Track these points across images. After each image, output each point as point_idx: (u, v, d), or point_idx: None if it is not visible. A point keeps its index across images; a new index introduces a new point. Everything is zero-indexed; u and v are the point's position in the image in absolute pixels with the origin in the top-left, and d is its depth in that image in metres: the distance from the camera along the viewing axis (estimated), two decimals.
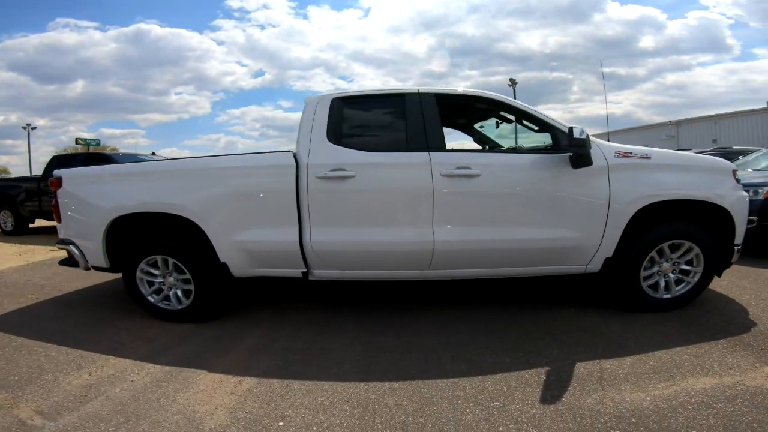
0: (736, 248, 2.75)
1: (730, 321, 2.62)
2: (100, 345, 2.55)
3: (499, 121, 3.38)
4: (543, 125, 2.80)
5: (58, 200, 3.05)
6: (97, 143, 20.51)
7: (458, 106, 2.99)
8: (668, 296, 2.78)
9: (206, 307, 2.90)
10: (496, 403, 1.88)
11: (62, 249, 3.17)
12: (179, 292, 2.91)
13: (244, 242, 2.73)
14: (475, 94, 3.02)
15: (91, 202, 2.98)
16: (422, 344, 2.50)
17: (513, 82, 23.60)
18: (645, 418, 1.70)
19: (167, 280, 2.91)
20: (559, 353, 2.33)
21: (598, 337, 2.48)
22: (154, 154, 8.02)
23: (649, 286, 2.76)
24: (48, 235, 7.21)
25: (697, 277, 2.76)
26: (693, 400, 1.80)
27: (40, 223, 8.09)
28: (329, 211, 2.69)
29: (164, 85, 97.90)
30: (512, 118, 3.04)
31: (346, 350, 2.46)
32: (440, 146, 2.73)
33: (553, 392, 1.95)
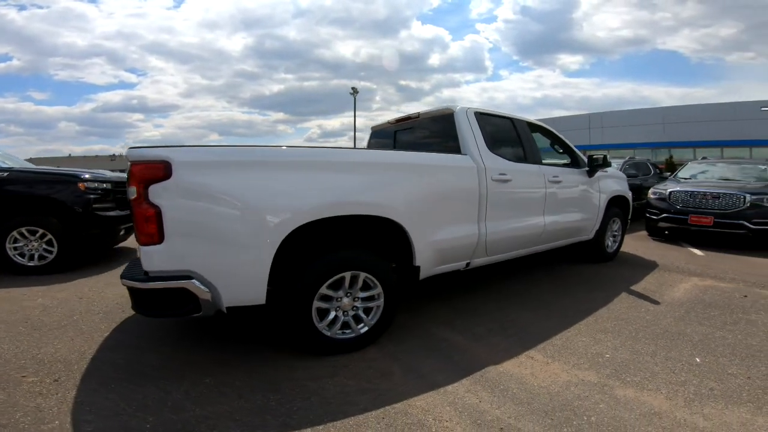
0: (629, 221, 5.13)
1: (643, 262, 4.88)
2: (397, 423, 1.85)
3: None
4: (569, 150, 4.25)
5: (157, 202, 1.90)
6: None
7: (535, 132, 3.98)
8: (612, 251, 4.83)
9: (389, 323, 2.64)
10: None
11: (156, 287, 1.97)
12: (362, 314, 2.51)
13: (439, 241, 2.74)
14: (543, 125, 4.11)
15: (254, 202, 2.06)
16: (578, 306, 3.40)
17: (354, 91, 24.72)
18: (697, 295, 3.41)
19: (342, 302, 2.42)
20: (619, 285, 3.83)
21: (615, 280, 4.08)
22: None
23: (606, 246, 4.72)
24: None
25: (620, 238, 4.96)
26: (699, 287, 3.66)
27: None
28: (497, 206, 3.12)
29: None
30: (549, 140, 4.33)
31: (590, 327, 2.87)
32: (540, 160, 3.70)
33: (660, 296, 3.43)
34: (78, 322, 2.87)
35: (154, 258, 1.97)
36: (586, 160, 4.24)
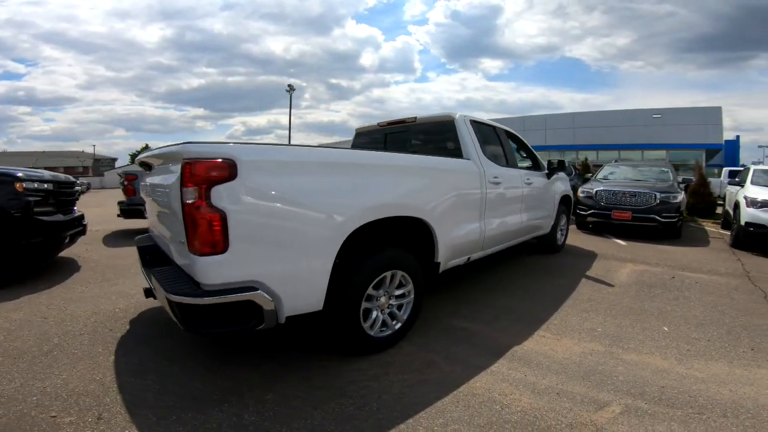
0: (572, 217, 5.94)
1: (584, 252, 5.71)
2: (473, 403, 2.19)
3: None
4: (532, 155, 4.83)
5: (221, 206, 1.76)
6: None
7: (509, 138, 4.43)
8: (560, 243, 5.60)
9: (416, 318, 2.79)
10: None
11: (222, 302, 1.79)
12: (396, 311, 2.64)
13: (454, 238, 3.01)
14: (514, 132, 4.56)
15: (318, 204, 2.06)
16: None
17: (291, 89, 23.72)
18: (638, 278, 4.15)
19: (380, 301, 2.53)
20: (576, 272, 4.48)
21: (571, 268, 4.78)
22: None
23: (557, 239, 5.45)
24: None
25: (566, 231, 5.74)
26: (637, 272, 4.45)
27: None
28: (492, 206, 3.50)
29: None
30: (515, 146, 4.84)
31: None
32: (517, 164, 4.18)
33: (611, 279, 4.06)
34: (64, 346, 2.54)
35: (216, 269, 1.80)
36: (545, 164, 4.89)
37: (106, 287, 3.83)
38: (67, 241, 4.24)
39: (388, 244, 2.56)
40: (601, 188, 7.16)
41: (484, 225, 3.41)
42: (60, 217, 4.12)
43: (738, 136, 20.88)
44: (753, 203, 5.57)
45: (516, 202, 4.04)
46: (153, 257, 2.74)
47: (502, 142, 4.03)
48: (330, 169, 2.18)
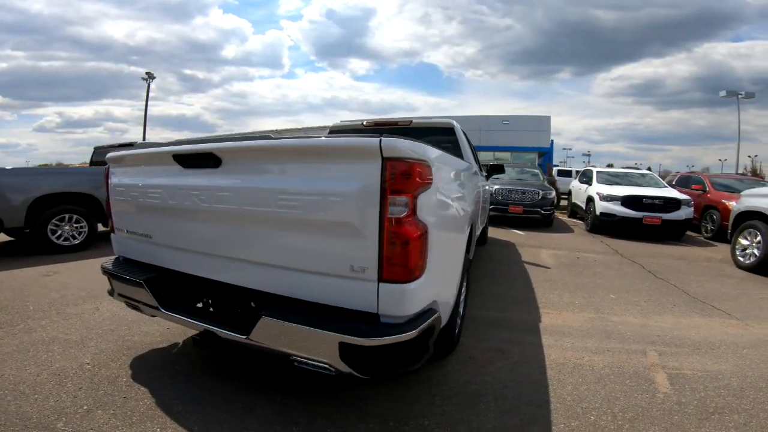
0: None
1: (503, 242, 6.94)
2: (566, 368, 2.65)
3: None
4: (476, 159, 5.67)
5: (425, 219, 1.56)
6: None
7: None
8: (486, 235, 6.69)
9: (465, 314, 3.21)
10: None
11: (422, 331, 1.57)
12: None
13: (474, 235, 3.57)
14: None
15: (463, 210, 2.32)
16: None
17: (150, 76, 19.32)
18: (558, 261, 5.48)
19: None
20: (513, 260, 5.53)
21: (507, 257, 5.90)
22: None
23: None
24: None
25: (487, 224, 6.89)
26: (552, 255, 5.80)
27: None
28: (479, 206, 4.15)
29: None
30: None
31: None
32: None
33: (542, 263, 5.24)
34: None
35: (415, 296, 1.55)
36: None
37: (23, 336, 2.82)
38: None
39: None
40: (498, 187, 8.75)
41: (477, 222, 4.05)
42: None
43: (552, 141, 27.29)
44: (605, 198, 7.80)
45: (483, 201, 4.81)
46: (169, 292, 2.19)
47: (471, 147, 4.73)
48: (461, 174, 2.48)
